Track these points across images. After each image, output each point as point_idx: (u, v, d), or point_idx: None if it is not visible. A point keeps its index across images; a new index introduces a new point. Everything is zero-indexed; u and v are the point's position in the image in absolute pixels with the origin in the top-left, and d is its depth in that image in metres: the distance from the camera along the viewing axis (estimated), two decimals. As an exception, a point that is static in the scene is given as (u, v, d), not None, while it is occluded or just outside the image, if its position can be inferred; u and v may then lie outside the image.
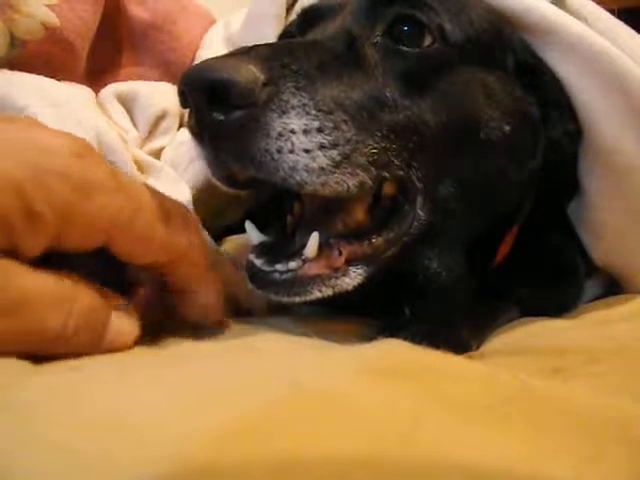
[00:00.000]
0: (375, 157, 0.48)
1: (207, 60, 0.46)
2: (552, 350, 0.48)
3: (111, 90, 0.66)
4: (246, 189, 0.52)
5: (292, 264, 0.48)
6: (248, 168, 0.46)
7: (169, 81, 0.77)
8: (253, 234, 0.52)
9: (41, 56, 0.61)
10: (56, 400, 0.29)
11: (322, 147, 0.46)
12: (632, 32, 0.64)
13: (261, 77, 0.44)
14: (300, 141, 0.45)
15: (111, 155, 0.52)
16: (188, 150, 0.60)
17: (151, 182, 0.56)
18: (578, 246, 0.66)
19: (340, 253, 0.50)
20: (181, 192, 0.57)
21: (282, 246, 0.50)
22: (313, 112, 0.46)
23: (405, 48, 0.53)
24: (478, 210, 0.57)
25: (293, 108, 0.45)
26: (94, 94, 0.64)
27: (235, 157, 0.46)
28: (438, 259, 0.57)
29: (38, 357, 0.34)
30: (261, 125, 0.44)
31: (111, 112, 0.64)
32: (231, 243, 0.62)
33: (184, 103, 0.46)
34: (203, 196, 0.59)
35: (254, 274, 0.49)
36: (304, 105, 0.46)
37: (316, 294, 0.48)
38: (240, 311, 0.59)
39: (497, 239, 0.62)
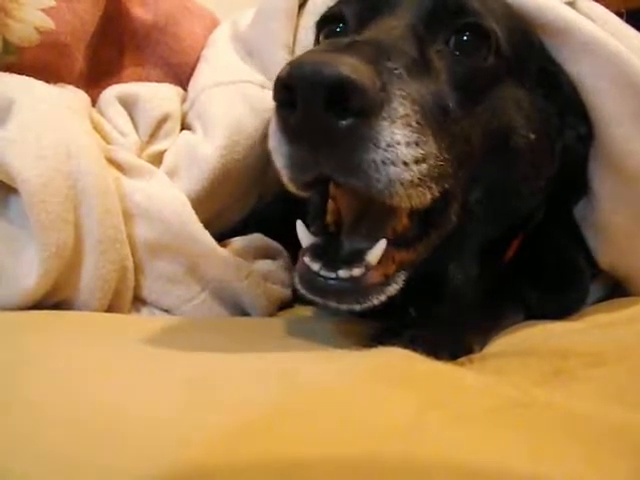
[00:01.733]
0: (442, 169, 0.47)
1: (318, 54, 0.42)
2: (555, 352, 0.48)
3: (112, 93, 0.65)
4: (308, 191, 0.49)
5: (356, 271, 0.45)
6: (347, 176, 0.43)
7: (171, 81, 0.77)
8: (304, 236, 0.49)
9: (37, 61, 0.61)
10: (55, 398, 0.29)
11: (416, 161, 0.44)
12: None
13: (378, 82, 0.41)
14: (403, 153, 0.43)
15: (72, 159, 0.51)
16: (187, 153, 0.60)
17: (141, 185, 0.56)
18: (582, 248, 0.65)
19: (393, 260, 0.48)
20: (174, 196, 0.56)
21: (333, 249, 0.48)
22: (414, 124, 0.44)
23: (464, 58, 0.52)
24: (499, 215, 0.57)
25: (400, 118, 0.43)
26: (86, 98, 0.63)
27: (337, 164, 0.43)
28: (456, 262, 0.57)
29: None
30: (372, 134, 0.41)
31: (111, 115, 0.63)
32: (232, 245, 0.62)
33: (283, 98, 0.42)
34: (203, 199, 0.59)
35: (311, 279, 0.46)
36: (407, 115, 0.44)
37: (373, 302, 0.47)
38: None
39: (507, 242, 0.62)
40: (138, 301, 0.56)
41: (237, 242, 0.61)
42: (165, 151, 0.62)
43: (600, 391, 0.37)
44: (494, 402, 0.34)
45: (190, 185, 0.58)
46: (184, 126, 0.67)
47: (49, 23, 0.62)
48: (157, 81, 0.76)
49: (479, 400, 0.35)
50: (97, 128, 0.61)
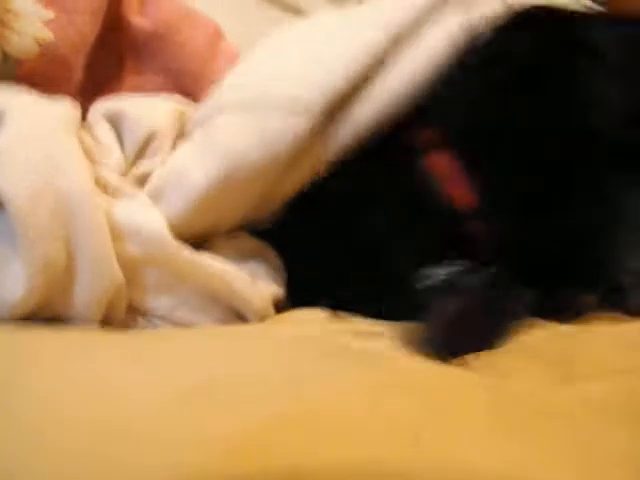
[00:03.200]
0: None
1: None
2: (563, 357, 0.46)
3: (99, 109, 0.64)
4: None
5: None
6: None
7: (172, 89, 0.77)
8: None
9: (36, 74, 0.61)
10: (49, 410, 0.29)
11: None
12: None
13: None
14: None
15: (62, 174, 0.50)
16: (176, 177, 0.58)
17: (121, 204, 0.55)
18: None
19: None
20: (152, 218, 0.55)
21: None
22: None
23: None
24: None
25: None
26: (76, 113, 0.61)
27: None
28: None
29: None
30: None
31: (98, 132, 0.62)
32: (217, 248, 0.60)
33: None
34: (187, 224, 0.57)
35: None
36: None
37: None
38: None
39: None
40: (133, 311, 0.56)
41: (222, 244, 0.60)
42: (150, 171, 0.61)
43: (607, 400, 0.36)
44: (499, 407, 0.34)
45: (173, 210, 0.57)
46: (185, 133, 0.65)
47: (49, 35, 0.62)
48: (157, 87, 0.76)
49: (483, 405, 0.35)
50: (84, 145, 0.59)
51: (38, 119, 0.53)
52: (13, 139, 0.50)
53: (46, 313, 0.50)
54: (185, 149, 0.61)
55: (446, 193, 0.57)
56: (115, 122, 0.63)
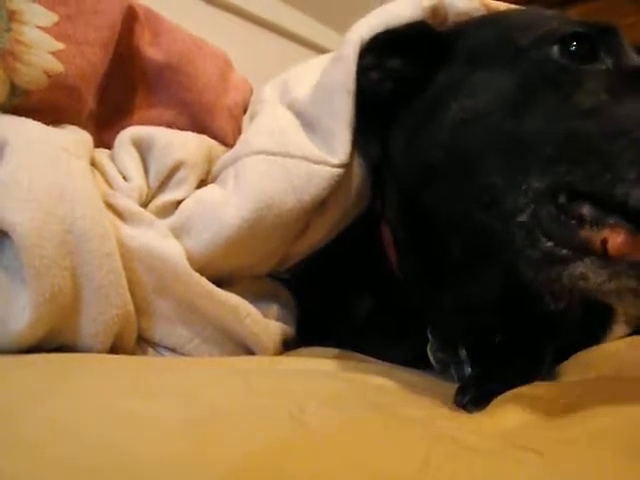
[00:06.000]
0: None
1: None
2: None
3: (128, 134, 0.64)
4: None
5: None
6: None
7: (185, 121, 0.77)
8: None
9: (45, 104, 0.61)
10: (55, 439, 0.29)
11: None
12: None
13: None
14: None
15: (67, 202, 0.50)
16: (205, 211, 0.58)
17: (138, 232, 0.55)
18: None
19: None
20: (170, 247, 0.55)
21: None
22: None
23: None
24: None
25: None
26: (88, 138, 0.62)
27: None
28: None
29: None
30: None
31: (122, 157, 0.62)
32: (232, 286, 0.60)
33: None
34: (210, 261, 0.57)
35: None
36: None
37: None
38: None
39: None
40: (143, 342, 0.55)
41: (239, 282, 0.60)
42: (175, 201, 0.60)
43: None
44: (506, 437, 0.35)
45: (199, 245, 0.56)
46: (207, 179, 0.65)
47: (58, 66, 0.61)
48: (170, 120, 0.76)
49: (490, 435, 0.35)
50: (100, 170, 0.60)
51: (42, 146, 0.53)
52: (15, 169, 0.49)
53: (53, 343, 0.50)
54: (216, 187, 0.61)
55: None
56: (142, 147, 0.63)
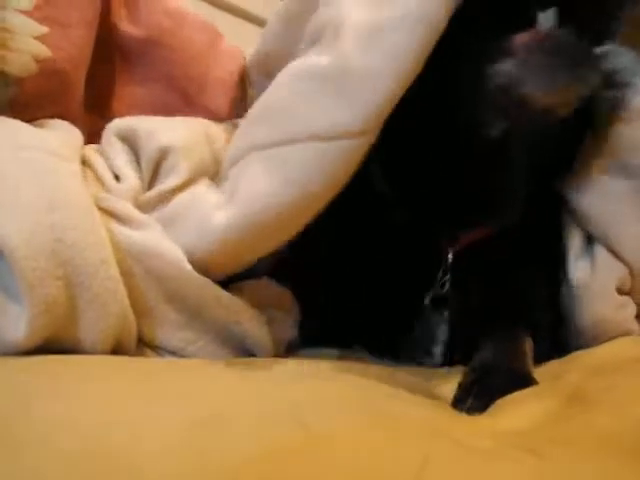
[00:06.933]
0: None
1: None
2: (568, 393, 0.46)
3: (113, 130, 0.62)
4: None
5: None
6: None
7: (174, 96, 0.75)
8: None
9: (40, 92, 0.59)
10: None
11: None
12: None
13: None
14: None
15: (55, 210, 0.48)
16: (196, 216, 0.55)
17: (136, 235, 0.53)
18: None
19: None
20: (168, 247, 0.53)
21: None
22: None
23: None
24: None
25: None
26: (79, 137, 0.60)
27: None
28: None
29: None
30: None
31: (111, 155, 0.60)
32: (237, 289, 0.59)
33: None
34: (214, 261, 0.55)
35: None
36: None
37: None
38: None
39: None
40: (144, 345, 0.55)
41: (244, 286, 0.59)
42: (170, 190, 0.57)
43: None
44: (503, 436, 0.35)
45: (189, 249, 0.54)
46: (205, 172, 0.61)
47: (45, 51, 0.60)
48: (159, 95, 0.74)
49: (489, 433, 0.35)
50: (92, 170, 0.58)
51: (29, 153, 0.51)
52: (2, 179, 0.48)
53: (53, 349, 0.49)
54: (212, 188, 0.59)
55: None
56: (130, 141, 0.61)
